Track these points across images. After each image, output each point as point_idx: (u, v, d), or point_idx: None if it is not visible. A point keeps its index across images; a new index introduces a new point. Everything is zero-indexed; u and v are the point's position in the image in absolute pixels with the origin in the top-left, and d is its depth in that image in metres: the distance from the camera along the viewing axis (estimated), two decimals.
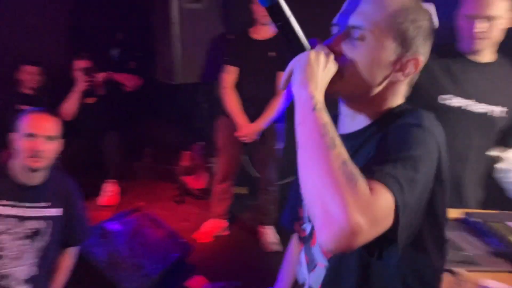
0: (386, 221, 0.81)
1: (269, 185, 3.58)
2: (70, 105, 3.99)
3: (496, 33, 1.98)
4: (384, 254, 0.93)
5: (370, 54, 0.98)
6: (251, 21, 3.41)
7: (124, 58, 4.65)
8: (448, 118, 2.00)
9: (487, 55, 2.05)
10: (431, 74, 2.03)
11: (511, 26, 2.00)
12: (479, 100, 2.03)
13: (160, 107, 4.69)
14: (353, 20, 0.98)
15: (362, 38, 0.98)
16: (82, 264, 2.45)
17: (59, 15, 4.38)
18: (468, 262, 1.52)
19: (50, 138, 2.10)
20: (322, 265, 1.08)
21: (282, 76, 0.98)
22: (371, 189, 0.80)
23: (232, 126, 3.42)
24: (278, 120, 3.44)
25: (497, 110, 2.03)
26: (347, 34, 0.99)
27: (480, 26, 1.94)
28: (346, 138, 0.99)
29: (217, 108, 3.63)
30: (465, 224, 1.79)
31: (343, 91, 1.01)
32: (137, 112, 4.66)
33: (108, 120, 4.17)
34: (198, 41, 3.60)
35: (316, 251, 1.11)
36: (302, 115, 0.90)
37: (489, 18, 1.93)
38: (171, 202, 4.22)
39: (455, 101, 2.04)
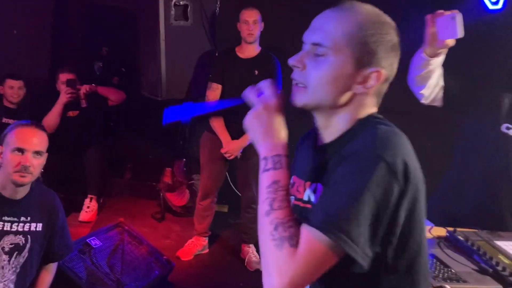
0: (319, 269, 0.91)
1: (251, 203, 3.56)
2: (52, 118, 3.93)
3: None
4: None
5: (330, 69, 1.03)
6: (238, 40, 3.44)
7: (108, 73, 4.63)
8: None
9: None
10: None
11: None
12: None
13: (143, 122, 4.65)
14: (315, 38, 1.05)
15: (323, 55, 1.03)
16: (61, 281, 2.38)
17: (43, 28, 4.34)
18: (454, 279, 1.53)
19: (38, 153, 2.05)
20: None
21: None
22: (304, 242, 0.89)
23: (216, 143, 3.41)
24: None
25: None
26: (310, 51, 1.05)
27: None
28: (320, 150, 1.09)
29: (201, 125, 3.62)
30: (449, 241, 1.82)
31: (310, 104, 1.07)
32: (120, 127, 4.62)
33: (90, 134, 4.12)
34: (184, 58, 3.61)
35: None
36: (259, 174, 1.02)
37: None
38: (152, 219, 4.16)
39: None
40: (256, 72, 3.36)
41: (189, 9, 3.52)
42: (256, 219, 3.37)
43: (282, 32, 4.00)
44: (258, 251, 3.62)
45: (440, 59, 2.00)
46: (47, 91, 4.10)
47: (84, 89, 4.04)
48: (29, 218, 2.08)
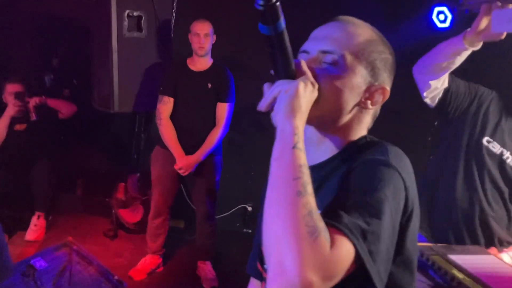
0: (341, 273, 0.79)
1: (207, 219, 3.48)
2: None
3: None
4: None
5: (343, 79, 0.98)
6: (189, 52, 3.39)
7: (59, 84, 4.46)
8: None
9: None
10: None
11: None
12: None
13: (94, 136, 4.51)
14: (324, 46, 0.99)
15: (334, 63, 0.98)
16: None
17: None
18: None
19: None
20: None
21: (264, 98, 0.95)
22: (332, 242, 0.78)
23: (168, 158, 3.32)
24: (215, 152, 3.40)
25: None
26: (317, 58, 0.99)
27: None
28: (311, 170, 0.96)
29: (154, 139, 3.54)
30: None
31: (314, 116, 0.95)
32: (71, 140, 4.45)
33: (38, 148, 3.95)
34: (137, 70, 3.52)
35: None
36: (280, 150, 0.87)
37: None
38: (104, 236, 4.01)
39: (497, 148, 2.15)
40: (209, 85, 3.32)
41: (143, 20, 3.44)
42: (212, 235, 3.27)
43: (236, 43, 3.99)
44: (214, 267, 3.54)
45: (466, 55, 2.01)
46: None
47: (33, 101, 3.87)
48: None
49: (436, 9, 3.37)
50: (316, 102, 0.95)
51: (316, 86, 0.94)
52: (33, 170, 3.86)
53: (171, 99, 3.34)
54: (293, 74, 0.93)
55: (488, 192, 2.17)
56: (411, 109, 3.31)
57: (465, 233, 2.20)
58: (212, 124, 3.35)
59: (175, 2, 3.88)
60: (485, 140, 2.15)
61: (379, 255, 0.83)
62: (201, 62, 3.37)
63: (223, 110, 3.34)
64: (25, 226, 3.81)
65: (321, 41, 1.00)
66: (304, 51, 1.03)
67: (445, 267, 1.69)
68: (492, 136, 2.16)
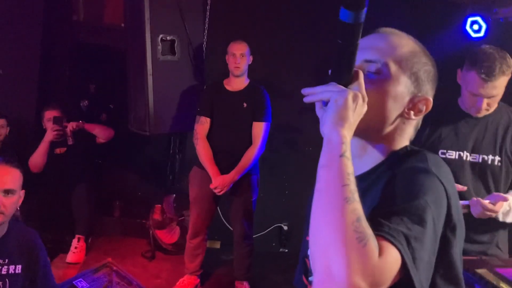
0: (389, 281, 0.78)
1: (244, 239, 3.47)
2: (38, 157, 3.87)
3: (497, 101, 2.10)
4: None
5: (387, 88, 0.98)
6: (226, 73, 3.44)
7: (96, 109, 4.59)
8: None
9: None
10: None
11: None
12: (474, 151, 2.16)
13: (131, 158, 4.59)
14: (368, 55, 0.99)
15: (378, 72, 0.98)
16: None
17: (29, 67, 4.31)
18: None
19: (8, 192, 1.97)
20: None
21: (313, 91, 0.93)
22: (380, 249, 0.77)
23: (205, 178, 3.34)
24: (252, 171, 3.40)
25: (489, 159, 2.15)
26: (361, 68, 0.97)
27: (484, 106, 2.06)
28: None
29: (191, 160, 3.57)
30: None
31: (359, 127, 0.94)
32: (108, 163, 4.55)
33: (77, 172, 4.04)
34: (172, 92, 3.59)
35: None
36: (328, 158, 0.87)
37: (493, 96, 2.03)
38: (142, 258, 4.04)
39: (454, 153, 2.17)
40: (245, 104, 3.34)
41: (176, 43, 3.53)
42: (249, 255, 3.26)
43: (271, 64, 4.04)
44: (253, 287, 3.51)
45: None
46: (34, 130, 4.05)
47: (71, 126, 3.98)
48: (6, 260, 1.99)
49: (470, 19, 3.32)
50: None
51: (366, 99, 0.93)
52: (72, 193, 3.95)
53: (208, 119, 3.38)
54: (349, 79, 0.93)
55: None
56: None
57: None
58: (248, 143, 3.36)
59: (207, 26, 3.97)
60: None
61: (422, 262, 0.82)
62: (237, 82, 3.41)
63: (259, 129, 3.35)
64: (66, 249, 3.87)
65: (365, 51, 0.99)
66: None
67: (492, 281, 1.62)
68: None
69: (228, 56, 3.39)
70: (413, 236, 0.81)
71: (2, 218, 1.95)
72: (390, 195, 0.88)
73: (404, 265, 0.79)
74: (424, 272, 0.82)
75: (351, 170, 0.84)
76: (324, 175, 0.85)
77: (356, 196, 0.81)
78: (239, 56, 3.33)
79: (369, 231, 0.78)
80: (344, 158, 0.85)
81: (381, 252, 0.77)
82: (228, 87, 3.43)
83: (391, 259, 0.78)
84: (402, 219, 0.82)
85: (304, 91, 0.94)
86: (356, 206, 0.80)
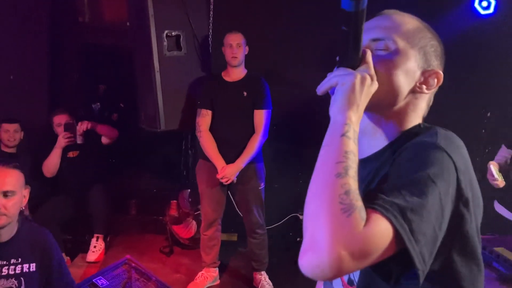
0: (376, 252, 0.78)
1: (256, 228, 3.48)
2: (51, 162, 3.92)
3: None
4: (402, 280, 0.88)
5: (397, 63, 0.99)
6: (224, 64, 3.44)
7: (107, 110, 4.62)
8: None
9: None
10: None
11: None
12: None
13: (144, 156, 4.62)
14: (375, 34, 1.00)
15: (386, 48, 0.99)
16: None
17: (39, 72, 4.36)
18: None
19: (7, 193, 1.98)
20: None
21: (322, 83, 0.95)
22: (367, 220, 0.78)
23: (211, 169, 3.35)
24: (256, 159, 3.40)
25: None
26: (369, 47, 0.99)
27: None
28: (366, 161, 1.00)
29: (198, 153, 3.58)
30: None
31: (371, 102, 0.95)
32: (121, 163, 4.58)
33: (92, 173, 4.08)
34: (180, 87, 3.60)
35: (337, 283, 1.07)
36: (330, 138, 0.89)
37: None
38: (160, 253, 4.09)
39: None
40: (245, 93, 3.34)
41: (181, 39, 3.52)
42: (263, 245, 3.27)
43: (277, 54, 4.01)
44: (270, 277, 3.52)
45: None
46: (46, 134, 4.08)
47: (84, 126, 3.97)
48: (20, 260, 2.02)
49: None
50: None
51: (375, 78, 0.94)
52: (89, 194, 3.99)
53: (209, 112, 3.39)
54: (358, 62, 0.94)
55: None
56: (461, 101, 3.20)
57: None
58: (251, 132, 3.37)
59: (211, 19, 3.96)
60: None
61: (421, 235, 0.80)
62: (235, 73, 3.41)
63: (260, 116, 3.35)
64: (85, 248, 3.93)
65: (371, 31, 1.00)
66: None
67: (510, 259, 1.60)
68: None
69: (224, 48, 3.39)
70: (410, 208, 0.80)
71: (5, 219, 1.97)
72: (394, 170, 0.88)
73: (399, 237, 0.78)
74: (426, 246, 0.81)
75: (350, 149, 0.85)
76: (322, 154, 0.87)
77: (351, 172, 0.82)
78: (236, 46, 3.33)
79: (357, 203, 0.79)
80: (345, 137, 0.86)
81: (367, 223, 0.78)
82: (227, 78, 3.43)
83: (379, 230, 0.78)
84: (401, 192, 0.82)
85: (318, 89, 0.96)
86: (348, 181, 0.81)
